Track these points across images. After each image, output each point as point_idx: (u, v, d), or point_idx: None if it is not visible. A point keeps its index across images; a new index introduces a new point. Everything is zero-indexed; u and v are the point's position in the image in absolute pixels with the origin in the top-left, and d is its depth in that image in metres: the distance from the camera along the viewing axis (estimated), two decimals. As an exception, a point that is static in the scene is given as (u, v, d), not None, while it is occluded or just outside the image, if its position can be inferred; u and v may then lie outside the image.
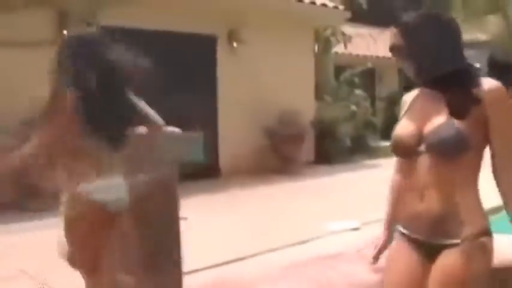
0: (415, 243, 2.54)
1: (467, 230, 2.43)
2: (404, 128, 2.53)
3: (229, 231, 6.69)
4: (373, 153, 14.08)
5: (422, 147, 2.45)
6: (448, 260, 2.42)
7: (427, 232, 2.48)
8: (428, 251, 2.49)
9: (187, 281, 4.58)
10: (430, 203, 2.45)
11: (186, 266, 4.49)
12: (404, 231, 2.58)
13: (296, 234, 6.36)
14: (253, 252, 5.68)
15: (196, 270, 5.03)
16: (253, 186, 9.79)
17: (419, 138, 2.46)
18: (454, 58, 2.47)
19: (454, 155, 2.39)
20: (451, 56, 2.46)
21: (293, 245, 5.98)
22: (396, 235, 2.66)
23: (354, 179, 10.66)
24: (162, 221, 4.26)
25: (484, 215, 2.50)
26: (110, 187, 3.54)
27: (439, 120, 2.41)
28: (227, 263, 5.37)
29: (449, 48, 2.47)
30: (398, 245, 2.63)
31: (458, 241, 2.42)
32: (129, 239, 4.14)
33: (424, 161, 2.45)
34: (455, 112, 2.40)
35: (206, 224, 6.73)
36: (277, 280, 4.91)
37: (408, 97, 2.69)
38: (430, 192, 2.44)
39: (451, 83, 2.44)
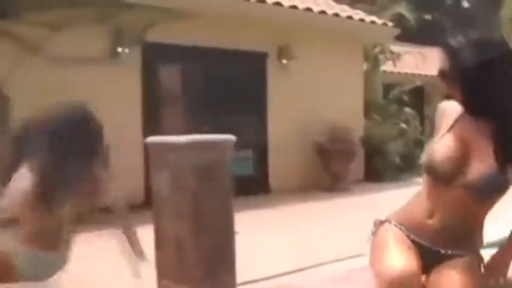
0: (411, 241, 2.46)
1: (473, 245, 2.44)
2: (445, 153, 2.34)
3: (280, 244, 6.68)
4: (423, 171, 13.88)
5: (462, 182, 2.30)
6: (454, 269, 2.36)
7: (431, 241, 2.42)
8: (425, 253, 2.42)
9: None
10: (439, 221, 2.38)
11: (239, 276, 4.51)
12: (404, 229, 2.49)
13: (349, 248, 6.30)
14: (306, 265, 5.66)
15: (250, 282, 5.02)
16: (302, 202, 9.76)
17: (460, 169, 2.30)
18: (507, 89, 2.28)
19: (495, 199, 2.36)
20: (504, 86, 2.27)
21: (345, 258, 5.93)
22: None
23: (404, 197, 10.49)
24: (218, 230, 4.28)
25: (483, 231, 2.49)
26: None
27: (488, 166, 2.26)
28: (281, 275, 5.36)
29: (502, 77, 2.27)
30: (388, 226, 2.55)
31: (462, 252, 2.40)
32: (187, 248, 4.18)
33: (451, 190, 2.33)
34: (506, 156, 2.26)
35: (257, 237, 6.73)
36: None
37: (448, 106, 2.47)
38: (443, 213, 2.37)
39: (503, 117, 2.28)
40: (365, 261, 5.42)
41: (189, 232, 4.16)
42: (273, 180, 10.88)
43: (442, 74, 2.36)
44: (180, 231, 4.19)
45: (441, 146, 2.38)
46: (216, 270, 4.32)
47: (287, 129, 11.05)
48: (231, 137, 4.34)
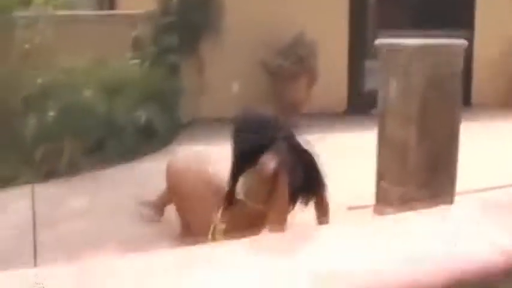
0: None
1: None
2: None
3: (486, 158, 6.50)
4: None
5: None
6: None
7: None
8: None
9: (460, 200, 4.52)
10: None
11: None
12: None
13: None
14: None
15: (465, 192, 4.91)
16: (505, 117, 9.32)
17: None
18: None
19: None
20: None
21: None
22: None
23: None
24: (443, 136, 4.23)
25: None
26: None
27: None
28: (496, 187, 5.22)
29: None
30: None
31: None
32: (410, 152, 4.18)
33: None
34: None
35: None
36: None
37: None
38: None
39: None
40: None
41: (413, 136, 4.15)
42: (475, 94, 10.46)
43: None
44: (404, 135, 4.19)
45: None
46: (436, 176, 4.30)
47: (493, 44, 10.45)
48: (463, 42, 4.21)
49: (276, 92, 8.06)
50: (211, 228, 3.60)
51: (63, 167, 5.46)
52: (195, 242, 3.47)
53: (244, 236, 3.55)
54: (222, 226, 3.57)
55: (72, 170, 5.49)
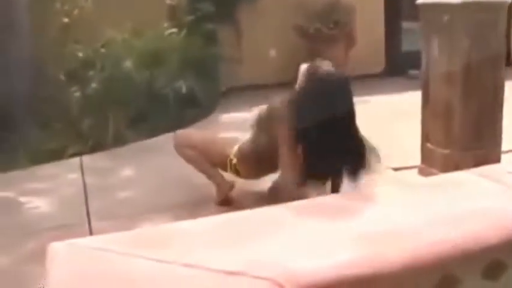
0: None
1: None
2: None
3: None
4: None
5: None
6: None
7: None
8: None
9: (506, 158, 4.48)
10: None
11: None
12: None
13: None
14: None
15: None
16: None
17: None
18: None
19: None
20: None
21: None
22: None
23: None
24: (488, 95, 4.19)
25: None
26: None
27: None
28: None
29: None
30: None
31: None
32: (455, 112, 4.15)
33: None
34: None
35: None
36: None
37: None
38: None
39: None
40: None
41: (458, 96, 4.11)
42: (515, 52, 10.26)
43: None
44: (448, 96, 4.15)
45: None
46: (482, 136, 4.26)
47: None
48: (506, -1, 4.15)
49: (313, 57, 7.97)
50: (228, 163, 3.81)
51: (109, 139, 5.55)
52: (238, 208, 3.57)
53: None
54: (234, 160, 3.78)
55: (118, 141, 5.58)
